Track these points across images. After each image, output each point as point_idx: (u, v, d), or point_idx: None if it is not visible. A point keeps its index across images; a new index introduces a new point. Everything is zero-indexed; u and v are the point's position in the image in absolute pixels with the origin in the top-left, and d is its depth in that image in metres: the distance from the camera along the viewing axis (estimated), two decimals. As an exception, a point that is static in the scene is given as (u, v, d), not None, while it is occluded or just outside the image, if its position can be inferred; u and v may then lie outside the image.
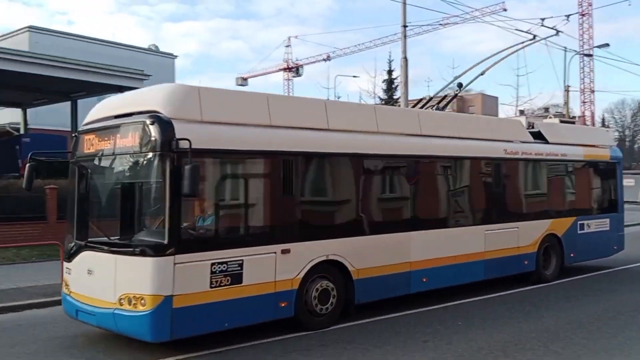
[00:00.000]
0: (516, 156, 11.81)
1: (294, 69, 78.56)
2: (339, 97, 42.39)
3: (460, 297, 10.46)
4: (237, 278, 7.39)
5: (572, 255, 12.93)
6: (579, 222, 13.11)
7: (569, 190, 13.18)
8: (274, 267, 7.79)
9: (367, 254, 9.01)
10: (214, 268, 7.19)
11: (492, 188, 11.36)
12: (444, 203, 10.52)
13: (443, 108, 12.56)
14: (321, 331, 8.23)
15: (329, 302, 8.49)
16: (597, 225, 13.54)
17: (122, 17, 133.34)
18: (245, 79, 79.32)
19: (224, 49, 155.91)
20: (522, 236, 11.77)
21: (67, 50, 28.24)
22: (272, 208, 7.94)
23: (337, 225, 8.88)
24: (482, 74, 13.76)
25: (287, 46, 78.40)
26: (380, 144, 9.39)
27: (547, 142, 12.74)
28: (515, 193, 11.98)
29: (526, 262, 11.91)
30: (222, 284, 7.26)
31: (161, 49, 46.27)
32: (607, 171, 14.08)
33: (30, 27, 37.60)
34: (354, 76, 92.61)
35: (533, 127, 12.87)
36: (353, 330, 8.36)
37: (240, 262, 7.43)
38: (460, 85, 13.21)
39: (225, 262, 7.30)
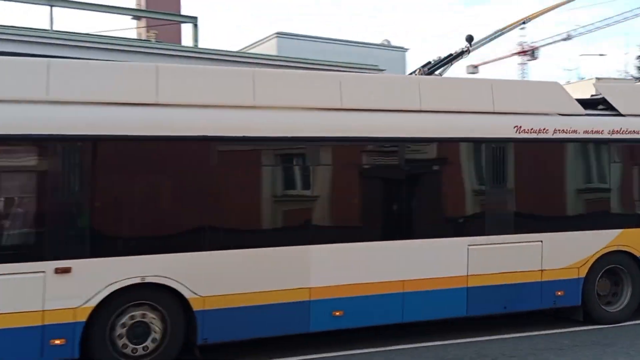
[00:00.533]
0: (540, 136, 7.83)
1: (529, 52, 72.95)
2: (582, 79, 37.29)
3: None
4: None
5: None
6: None
7: None
8: (42, 292, 5.76)
9: (223, 276, 6.37)
10: None
11: (489, 183, 7.64)
12: (381, 204, 7.31)
13: (441, 73, 8.84)
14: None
15: (149, 340, 6.16)
16: None
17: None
18: (476, 67, 75.99)
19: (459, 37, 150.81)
20: (550, 254, 7.76)
21: (308, 52, 29.48)
22: (41, 211, 5.88)
23: (168, 235, 6.36)
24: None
25: (521, 28, 73.17)
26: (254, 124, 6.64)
27: (618, 114, 8.44)
28: (544, 189, 8.00)
29: (560, 294, 7.85)
30: None
31: (394, 43, 46.86)
32: None
33: (278, 33, 40.22)
34: (600, 54, 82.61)
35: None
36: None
37: None
38: (470, 38, 9.14)
39: None
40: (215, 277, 6.32)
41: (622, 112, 8.44)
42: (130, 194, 6.22)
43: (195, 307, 6.23)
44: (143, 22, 20.98)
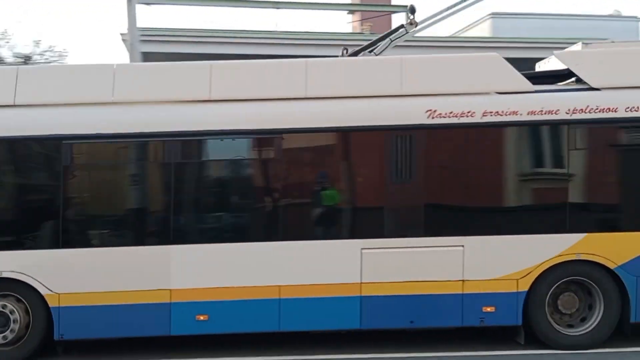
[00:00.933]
0: (463, 120, 6.43)
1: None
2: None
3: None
4: None
5: None
6: None
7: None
8: None
9: (79, 274, 6.43)
10: None
11: (392, 177, 6.61)
12: (252, 202, 6.72)
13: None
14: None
15: (8, 330, 6.42)
16: None
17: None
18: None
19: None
20: (474, 261, 6.42)
21: (525, 31, 28.82)
22: None
23: (23, 232, 6.54)
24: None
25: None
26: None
27: (587, 88, 6.62)
28: (466, 183, 6.72)
29: (489, 310, 6.48)
30: None
31: (625, 13, 43.60)
32: None
33: (492, 13, 39.80)
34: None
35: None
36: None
37: None
38: (412, 9, 7.52)
39: None
40: (70, 275, 6.41)
41: (593, 85, 6.63)
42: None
43: (51, 303, 6.39)
44: (357, 16, 21.73)
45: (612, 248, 6.42)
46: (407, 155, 6.52)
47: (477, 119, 6.45)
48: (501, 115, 6.45)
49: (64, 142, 6.40)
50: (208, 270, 6.44)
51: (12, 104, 6.50)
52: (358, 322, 6.49)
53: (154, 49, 13.17)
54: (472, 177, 6.68)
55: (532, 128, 6.62)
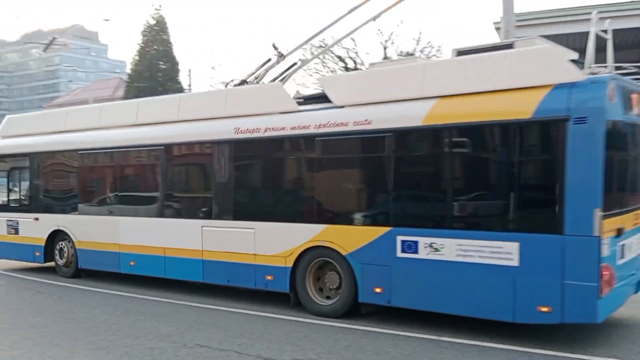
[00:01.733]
0: (254, 135, 8.73)
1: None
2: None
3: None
4: (17, 231, 12.44)
5: (378, 291, 7.60)
6: (400, 238, 7.36)
7: (370, 180, 8.03)
8: (34, 228, 12.07)
9: (85, 230, 11.19)
10: (8, 223, 12.58)
11: (216, 177, 9.38)
12: (152, 194, 10.35)
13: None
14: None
15: (65, 256, 11.74)
16: (469, 251, 6.91)
17: None
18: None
19: None
20: (261, 242, 8.69)
21: None
22: (30, 192, 12.35)
23: (64, 206, 11.79)
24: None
25: None
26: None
27: (333, 106, 8.17)
28: (257, 183, 9.34)
29: (270, 278, 8.62)
30: (10, 233, 12.56)
31: None
32: (518, 142, 6.77)
33: None
34: None
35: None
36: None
37: (17, 222, 12.39)
38: (274, 46, 9.52)
39: (12, 221, 12.49)
40: (82, 230, 11.28)
41: (337, 103, 7.94)
42: (60, 184, 12.05)
43: (76, 246, 11.45)
44: None
45: (344, 238, 7.82)
46: (224, 162, 9.16)
47: (261, 134, 8.61)
48: (275, 130, 8.45)
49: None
50: (135, 233, 10.37)
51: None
52: (201, 277, 9.49)
53: (529, 33, 12.35)
54: (262, 179, 9.03)
55: (295, 140, 8.40)
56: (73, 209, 11.53)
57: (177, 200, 10.07)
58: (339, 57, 25.93)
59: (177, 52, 51.23)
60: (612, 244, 6.45)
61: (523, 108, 6.52)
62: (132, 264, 10.48)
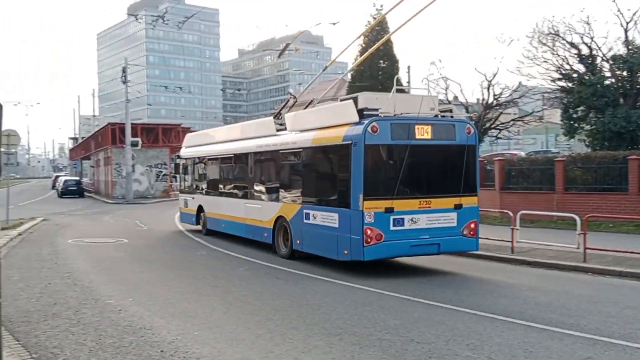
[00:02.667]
0: (260, 149, 15.06)
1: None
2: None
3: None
4: (186, 204, 20.42)
5: (298, 242, 13.03)
6: (304, 211, 12.74)
7: (295, 178, 13.51)
8: (192, 203, 19.63)
9: (209, 205, 18.24)
10: (183, 200, 20.86)
11: (247, 173, 15.92)
12: (229, 183, 17.15)
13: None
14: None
15: (202, 221, 18.88)
16: (324, 219, 11.99)
17: None
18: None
19: None
20: (263, 213, 14.56)
21: None
22: (191, 182, 20.11)
23: (201, 190, 19.19)
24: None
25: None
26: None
27: (285, 132, 14.04)
28: (259, 178, 15.23)
29: (266, 235, 14.43)
30: (185, 206, 20.55)
31: None
32: (340, 156, 11.55)
33: None
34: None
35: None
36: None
37: (186, 199, 20.62)
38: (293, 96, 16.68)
39: (185, 199, 20.31)
40: (211, 205, 18.14)
41: (288, 129, 14.08)
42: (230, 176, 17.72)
43: (207, 215, 17.73)
44: None
45: (287, 211, 13.39)
46: (249, 165, 15.72)
47: (261, 149, 14.88)
48: (267, 146, 14.56)
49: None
50: (228, 209, 16.82)
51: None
52: (244, 233, 15.77)
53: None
54: (260, 175, 15.47)
55: (272, 152, 14.51)
56: (204, 192, 18.73)
57: (235, 187, 16.59)
58: (571, 44, 23.92)
59: (397, 50, 52.03)
60: (380, 216, 10.69)
61: (339, 136, 11.41)
62: (223, 225, 17.10)
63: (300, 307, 8.91)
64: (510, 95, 28.90)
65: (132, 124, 41.37)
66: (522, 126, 33.48)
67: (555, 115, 34.67)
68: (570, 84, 24.38)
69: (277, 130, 14.37)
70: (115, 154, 42.37)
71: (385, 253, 10.98)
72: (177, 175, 21.86)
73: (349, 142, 10.93)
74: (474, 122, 12.58)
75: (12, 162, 22.96)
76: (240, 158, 16.16)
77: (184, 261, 13.82)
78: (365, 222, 10.57)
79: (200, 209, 18.72)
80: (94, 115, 75.33)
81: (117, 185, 42.41)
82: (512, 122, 29.60)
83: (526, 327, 7.66)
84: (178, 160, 21.20)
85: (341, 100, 12.40)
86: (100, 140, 48.34)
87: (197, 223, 19.00)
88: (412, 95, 12.71)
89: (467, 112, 30.56)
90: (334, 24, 23.28)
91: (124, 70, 41.21)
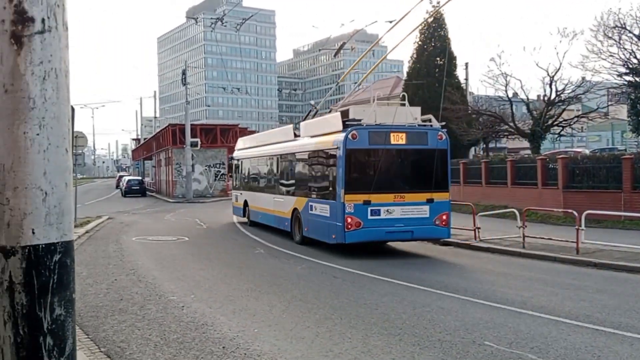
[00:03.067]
0: (282, 152, 18.01)
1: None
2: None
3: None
4: (237, 199, 23.73)
5: (306, 229, 15.47)
6: (309, 204, 15.17)
7: (304, 176, 16.14)
8: (240, 198, 22.36)
9: (251, 200, 21.18)
10: (234, 195, 23.43)
11: (274, 172, 18.92)
12: (262, 181, 20.51)
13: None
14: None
15: (247, 215, 21.79)
16: (321, 210, 14.47)
17: None
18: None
19: None
20: (284, 205, 17.11)
21: None
22: (240, 179, 23.19)
23: (246, 187, 22.44)
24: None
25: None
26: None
27: (300, 138, 17.07)
28: (282, 176, 17.99)
29: (286, 224, 16.96)
30: (235, 201, 23.79)
31: None
32: (332, 157, 14.20)
33: None
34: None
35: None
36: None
37: (236, 195, 23.72)
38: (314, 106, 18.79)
39: (235, 194, 23.20)
40: (254, 199, 21.04)
41: (300, 136, 17.33)
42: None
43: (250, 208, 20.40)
44: None
45: (299, 204, 15.84)
46: (276, 165, 18.61)
47: (284, 152, 17.44)
48: (286, 149, 17.36)
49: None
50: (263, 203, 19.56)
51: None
52: (273, 223, 18.33)
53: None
54: (281, 174, 18.21)
55: (291, 155, 17.44)
56: (248, 189, 21.67)
57: (267, 185, 19.43)
58: (639, 37, 22.91)
59: (455, 47, 50.95)
60: (358, 207, 13.12)
61: (330, 141, 14.04)
62: (260, 217, 19.91)
63: (358, 306, 8.89)
64: (574, 91, 27.95)
65: (191, 124, 42.35)
66: (586, 123, 32.30)
67: (621, 112, 33.35)
68: (638, 79, 23.35)
69: (295, 136, 17.51)
70: (176, 154, 43.48)
71: (364, 237, 13.41)
72: (232, 174, 25.26)
73: (336, 146, 13.64)
74: (445, 130, 14.00)
75: (79, 163, 23.95)
76: (270, 159, 19.31)
77: (243, 259, 14.04)
78: (346, 211, 13.18)
79: (245, 203, 21.66)
80: (155, 117, 77.66)
81: (177, 185, 43.52)
82: (575, 119, 28.62)
83: (593, 331, 7.39)
84: (232, 161, 24.83)
85: (339, 111, 14.86)
86: (161, 141, 49.74)
87: (244, 216, 22.02)
88: (393, 107, 15.04)
89: (528, 109, 29.73)
90: (391, 22, 22.81)
91: (183, 73, 42.25)
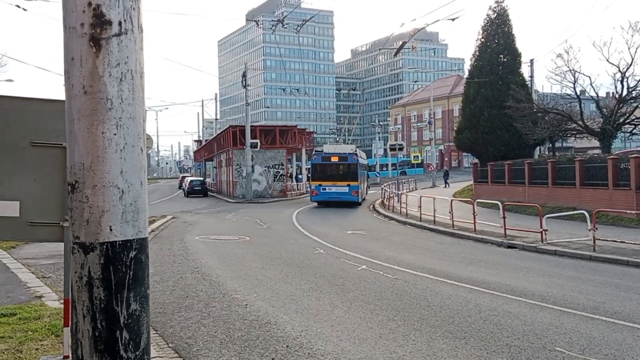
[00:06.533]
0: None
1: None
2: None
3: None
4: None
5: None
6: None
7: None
8: None
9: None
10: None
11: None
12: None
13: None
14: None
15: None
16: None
17: None
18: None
19: None
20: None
21: None
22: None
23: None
24: None
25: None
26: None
27: None
28: None
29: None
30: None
31: None
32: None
33: None
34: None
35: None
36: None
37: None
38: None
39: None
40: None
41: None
42: None
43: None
44: None
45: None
46: None
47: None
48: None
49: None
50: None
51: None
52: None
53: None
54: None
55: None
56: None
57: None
58: None
59: (519, 43, 49.65)
60: (317, 186, 31.90)
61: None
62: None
63: (421, 308, 8.76)
64: (647, 87, 26.64)
65: (251, 126, 42.97)
66: (661, 120, 30.68)
67: (699, 108, 31.42)
68: None
69: None
70: (236, 155, 44.22)
71: (318, 199, 32.05)
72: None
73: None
74: (356, 152, 32.97)
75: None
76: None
77: (303, 259, 14.10)
78: (312, 187, 32.51)
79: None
80: (216, 119, 79.17)
81: (237, 185, 44.25)
82: (649, 117, 27.28)
83: (674, 340, 7.00)
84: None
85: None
86: (222, 142, 50.69)
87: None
88: (339, 145, 34.67)
89: (598, 106, 28.58)
90: (453, 19, 22.33)
91: (244, 75, 42.89)
